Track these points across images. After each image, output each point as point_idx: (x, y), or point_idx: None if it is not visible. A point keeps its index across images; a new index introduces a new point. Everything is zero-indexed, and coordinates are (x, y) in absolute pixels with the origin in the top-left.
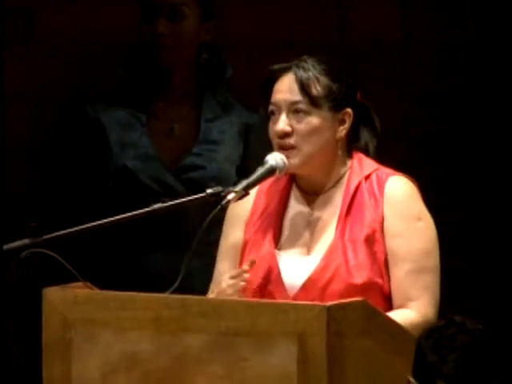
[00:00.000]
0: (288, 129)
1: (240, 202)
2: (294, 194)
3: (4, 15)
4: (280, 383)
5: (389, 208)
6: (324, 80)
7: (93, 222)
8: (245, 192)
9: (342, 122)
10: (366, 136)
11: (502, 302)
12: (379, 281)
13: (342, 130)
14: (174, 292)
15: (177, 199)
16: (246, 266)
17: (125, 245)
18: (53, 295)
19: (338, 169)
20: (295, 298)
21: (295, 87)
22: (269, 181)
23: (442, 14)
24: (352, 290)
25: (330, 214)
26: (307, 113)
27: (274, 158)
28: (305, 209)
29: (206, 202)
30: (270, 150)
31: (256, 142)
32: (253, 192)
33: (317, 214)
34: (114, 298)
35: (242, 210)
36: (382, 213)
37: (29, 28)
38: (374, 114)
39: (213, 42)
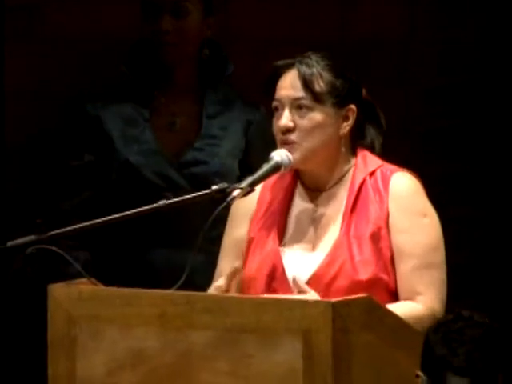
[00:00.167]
0: (291, 124)
1: (244, 198)
2: (299, 190)
3: (4, 13)
4: (285, 380)
5: (394, 204)
6: (327, 76)
7: (96, 217)
8: (250, 188)
9: (346, 118)
10: (371, 133)
11: (508, 298)
12: (384, 277)
13: (346, 127)
14: (177, 288)
15: (180, 195)
16: (236, 268)
17: (127, 240)
18: (58, 291)
19: (341, 165)
20: (300, 294)
21: (298, 83)
22: (273, 177)
23: (443, 13)
24: (357, 286)
25: (335, 211)
26: (310, 109)
27: (280, 155)
28: (309, 205)
29: (212, 198)
30: (271, 145)
31: (257, 138)
32: (257, 189)
33: (321, 210)
34: (120, 294)
35: (247, 207)
36: (387, 209)
37: (29, 26)
38: (380, 111)
39: (215, 38)
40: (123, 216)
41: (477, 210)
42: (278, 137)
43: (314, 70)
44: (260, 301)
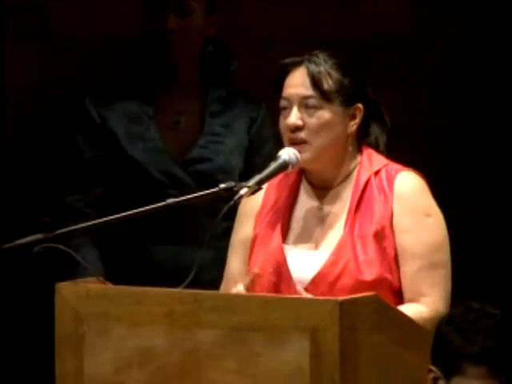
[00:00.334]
0: (299, 123)
1: (251, 197)
2: (304, 188)
3: (4, 12)
4: (293, 378)
5: (398, 203)
6: (335, 75)
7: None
8: (258, 187)
9: (353, 117)
10: (376, 131)
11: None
12: (388, 276)
13: (353, 125)
14: (182, 284)
15: (185, 192)
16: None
17: (131, 238)
18: (66, 290)
19: (347, 164)
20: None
21: (307, 81)
22: (279, 175)
23: (451, 10)
24: (361, 285)
25: (339, 210)
26: (319, 107)
27: (287, 153)
28: (314, 204)
29: (219, 196)
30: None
31: (259, 136)
32: (263, 186)
33: (326, 209)
34: (127, 292)
35: (253, 205)
36: (392, 208)
37: (29, 25)
38: (384, 110)
39: (222, 36)
40: (131, 214)
41: (481, 210)
42: (286, 135)
43: (322, 68)
44: (268, 299)
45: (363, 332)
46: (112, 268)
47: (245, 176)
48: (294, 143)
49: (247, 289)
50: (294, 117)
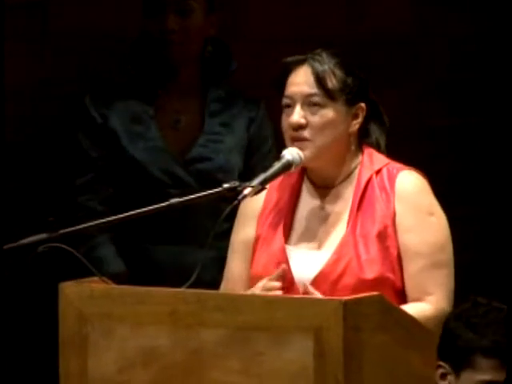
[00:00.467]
0: (303, 121)
1: (252, 197)
2: (305, 188)
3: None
4: (296, 378)
5: (400, 203)
6: (339, 73)
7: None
8: (262, 186)
9: (355, 116)
10: (375, 131)
11: None
12: (391, 276)
13: (355, 125)
14: (183, 284)
15: (186, 192)
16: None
17: (130, 237)
18: (69, 290)
19: (349, 163)
20: (305, 292)
21: (311, 80)
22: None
23: (453, 8)
24: (363, 284)
25: (341, 209)
26: (322, 106)
27: (291, 153)
28: (316, 203)
29: (223, 196)
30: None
31: (258, 135)
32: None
33: (328, 208)
34: (131, 292)
35: (254, 206)
36: (394, 207)
37: (29, 25)
38: (383, 109)
39: (224, 35)
40: (135, 214)
41: (482, 210)
42: (289, 133)
43: (326, 66)
44: (271, 299)
45: (367, 332)
46: None
47: (243, 175)
48: (297, 141)
49: (274, 284)
50: (297, 115)
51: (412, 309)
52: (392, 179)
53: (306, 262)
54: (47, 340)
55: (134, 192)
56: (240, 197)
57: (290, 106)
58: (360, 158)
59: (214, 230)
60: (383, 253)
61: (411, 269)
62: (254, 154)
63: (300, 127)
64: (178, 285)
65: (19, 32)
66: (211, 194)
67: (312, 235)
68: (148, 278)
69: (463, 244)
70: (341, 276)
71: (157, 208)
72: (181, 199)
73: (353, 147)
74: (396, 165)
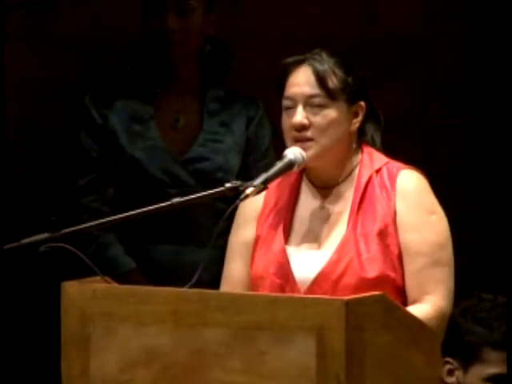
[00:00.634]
0: (306, 122)
1: (251, 198)
2: (305, 188)
3: (4, 12)
4: (298, 377)
5: (401, 201)
6: (339, 73)
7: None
8: (264, 186)
9: (356, 115)
10: (371, 129)
11: None
12: (392, 274)
13: (356, 123)
14: (184, 283)
15: (186, 192)
16: None
17: (130, 237)
18: (71, 289)
19: (349, 162)
20: (307, 292)
21: (312, 80)
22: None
23: (464, 7)
24: (364, 283)
25: (341, 208)
26: (324, 106)
27: (293, 153)
28: (316, 203)
29: (224, 196)
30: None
31: (256, 135)
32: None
33: (328, 208)
34: (133, 292)
35: (253, 207)
36: (394, 206)
37: (29, 25)
38: (377, 107)
39: (226, 34)
40: (136, 214)
41: (483, 210)
42: (291, 134)
43: (327, 66)
44: (273, 298)
45: (370, 332)
46: None
47: (241, 174)
48: (300, 141)
49: None
50: (300, 116)
51: (412, 310)
52: (392, 178)
53: (307, 261)
54: (49, 339)
55: (133, 191)
56: (242, 196)
57: (292, 107)
58: (360, 157)
59: (217, 229)
60: (384, 251)
61: (411, 267)
62: (251, 153)
63: (303, 128)
64: (178, 284)
65: (19, 32)
66: (212, 193)
67: (312, 235)
68: (147, 277)
69: (463, 244)
70: (342, 275)
71: (158, 208)
72: (182, 199)
73: (353, 146)
74: (395, 164)
